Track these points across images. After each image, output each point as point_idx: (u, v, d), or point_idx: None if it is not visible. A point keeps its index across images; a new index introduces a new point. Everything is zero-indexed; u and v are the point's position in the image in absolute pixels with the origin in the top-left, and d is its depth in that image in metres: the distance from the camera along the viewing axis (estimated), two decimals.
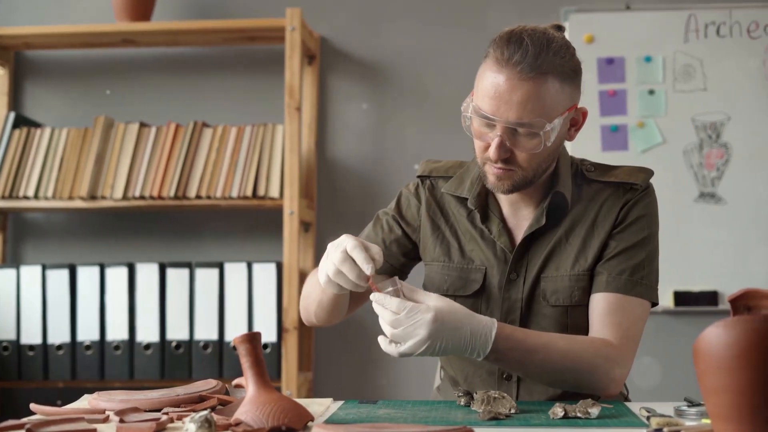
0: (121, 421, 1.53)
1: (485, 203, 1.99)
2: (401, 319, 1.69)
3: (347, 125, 3.54)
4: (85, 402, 1.80)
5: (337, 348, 3.48)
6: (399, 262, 2.06)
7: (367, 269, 1.71)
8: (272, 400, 1.50)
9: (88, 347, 3.27)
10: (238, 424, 1.48)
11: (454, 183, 2.04)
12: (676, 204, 3.39)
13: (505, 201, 1.98)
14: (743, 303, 1.45)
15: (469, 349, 1.74)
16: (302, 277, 3.40)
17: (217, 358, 3.25)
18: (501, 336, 1.75)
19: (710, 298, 3.37)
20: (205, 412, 1.44)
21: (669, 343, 3.36)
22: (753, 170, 3.41)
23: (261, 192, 3.26)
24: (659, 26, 3.46)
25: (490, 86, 1.80)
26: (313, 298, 1.96)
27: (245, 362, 1.55)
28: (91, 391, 1.92)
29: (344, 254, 1.72)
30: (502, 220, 1.98)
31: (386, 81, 3.53)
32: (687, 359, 3.32)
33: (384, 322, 1.71)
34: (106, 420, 1.60)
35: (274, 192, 3.26)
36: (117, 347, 3.27)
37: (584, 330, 1.97)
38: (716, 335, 1.36)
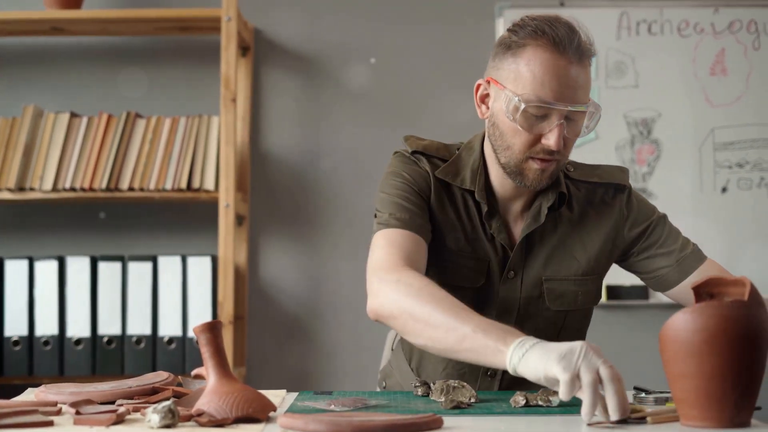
0: (77, 412, 1.49)
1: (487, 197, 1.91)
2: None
3: (281, 118, 3.51)
4: (31, 395, 1.75)
5: (270, 343, 3.44)
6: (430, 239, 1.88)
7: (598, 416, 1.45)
8: (235, 390, 1.48)
9: (16, 343, 3.18)
10: (200, 414, 1.45)
11: (449, 171, 1.92)
12: None
13: (498, 196, 1.92)
14: (706, 290, 1.47)
15: None
16: (237, 270, 3.36)
17: (151, 353, 3.19)
18: None
19: (641, 292, 3.42)
20: (168, 403, 1.41)
21: (602, 337, 3.38)
22: (682, 166, 3.47)
23: (196, 184, 3.21)
24: (592, 23, 3.45)
25: (550, 73, 1.74)
26: (442, 342, 1.64)
27: (206, 352, 1.52)
28: (19, 388, 1.86)
29: (597, 380, 1.42)
30: (500, 215, 1.92)
31: (320, 74, 3.50)
32: (621, 352, 3.37)
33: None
34: (59, 412, 1.56)
35: (209, 184, 3.22)
36: (46, 342, 3.19)
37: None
38: (684, 321, 1.38)
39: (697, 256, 1.95)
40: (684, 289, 1.93)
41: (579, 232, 1.94)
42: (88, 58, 3.51)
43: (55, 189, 3.21)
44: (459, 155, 1.95)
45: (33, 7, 3.39)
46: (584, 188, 1.97)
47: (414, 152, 1.94)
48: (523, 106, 1.75)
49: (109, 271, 3.22)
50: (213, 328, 1.52)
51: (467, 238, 1.91)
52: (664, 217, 2.00)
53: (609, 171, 1.99)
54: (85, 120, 3.28)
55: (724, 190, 3.46)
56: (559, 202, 1.92)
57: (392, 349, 2.17)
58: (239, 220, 3.40)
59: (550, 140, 1.77)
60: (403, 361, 2.06)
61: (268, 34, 3.53)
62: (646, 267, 1.98)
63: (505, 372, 1.90)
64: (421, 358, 2.01)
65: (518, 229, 1.93)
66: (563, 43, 1.75)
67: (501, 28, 3.47)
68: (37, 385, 1.81)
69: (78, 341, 3.19)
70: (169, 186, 3.20)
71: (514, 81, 1.78)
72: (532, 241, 1.92)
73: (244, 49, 3.47)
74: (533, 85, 1.75)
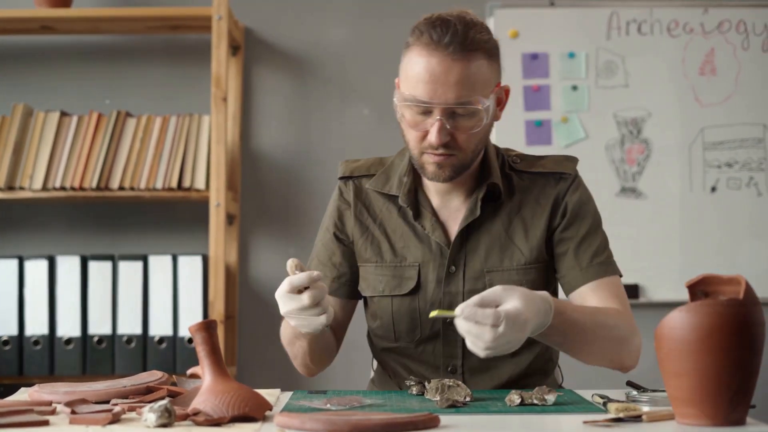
0: (73, 412, 1.49)
1: (415, 199, 1.97)
2: (504, 332, 1.58)
3: (271, 117, 3.50)
4: (25, 395, 1.74)
5: (261, 342, 3.44)
6: (356, 273, 2.04)
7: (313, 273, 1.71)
8: (231, 389, 1.48)
9: (6, 342, 3.17)
10: (196, 413, 1.45)
11: (380, 180, 2.01)
12: (598, 198, 3.31)
13: (435, 194, 1.97)
14: (701, 288, 1.47)
15: (540, 325, 1.69)
16: (228, 270, 3.35)
17: (141, 353, 3.19)
18: (557, 311, 1.71)
19: (631, 291, 3.42)
20: (164, 402, 1.41)
21: None
22: (672, 165, 3.48)
23: (186, 183, 3.21)
24: (582, 23, 3.50)
25: (423, 71, 1.81)
26: (301, 352, 2.03)
27: (201, 351, 1.52)
28: (9, 388, 1.85)
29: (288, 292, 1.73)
30: (434, 214, 1.96)
31: (311, 73, 3.50)
32: None
33: (481, 339, 1.59)
34: (53, 412, 1.55)
35: (200, 184, 3.21)
36: (36, 342, 3.17)
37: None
38: (680, 319, 1.38)
39: (607, 269, 1.92)
40: (577, 297, 1.91)
41: (521, 222, 1.94)
42: (78, 57, 3.50)
43: (45, 188, 3.19)
44: (392, 163, 2.03)
45: (23, 6, 3.38)
46: (528, 178, 1.98)
47: (341, 177, 2.05)
48: (397, 104, 1.86)
49: (99, 270, 3.21)
50: (208, 327, 1.52)
51: (394, 249, 1.97)
52: (597, 219, 1.98)
53: (555, 160, 2.00)
54: (75, 119, 3.27)
55: (713, 189, 3.47)
56: (498, 194, 1.94)
57: (373, 370, 2.19)
58: (230, 219, 3.40)
59: (432, 136, 1.82)
60: (385, 377, 2.08)
61: (258, 33, 3.52)
62: (560, 265, 1.95)
63: (463, 365, 1.93)
64: (393, 367, 2.03)
65: (457, 225, 1.95)
66: (436, 42, 1.80)
67: (492, 28, 3.48)
68: (27, 385, 1.81)
69: (68, 341, 3.18)
70: (159, 185, 3.19)
71: (402, 78, 1.88)
72: (472, 234, 1.94)
73: (234, 48, 3.47)
74: (408, 84, 1.84)
